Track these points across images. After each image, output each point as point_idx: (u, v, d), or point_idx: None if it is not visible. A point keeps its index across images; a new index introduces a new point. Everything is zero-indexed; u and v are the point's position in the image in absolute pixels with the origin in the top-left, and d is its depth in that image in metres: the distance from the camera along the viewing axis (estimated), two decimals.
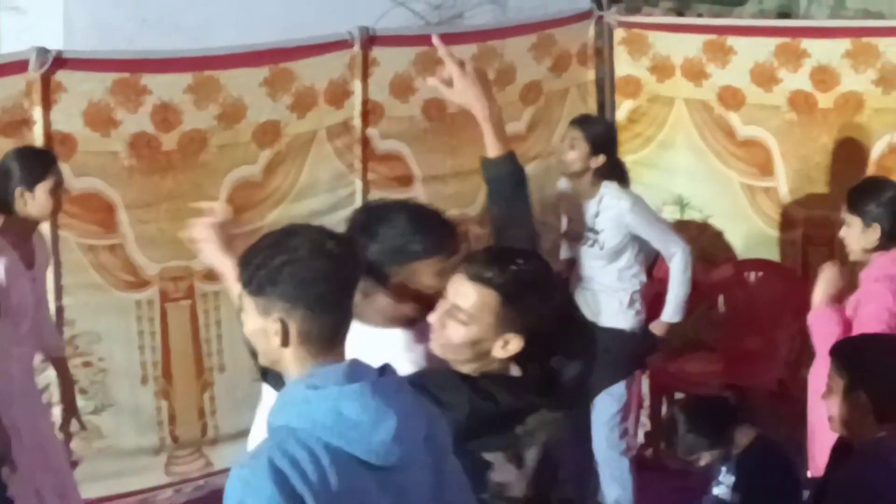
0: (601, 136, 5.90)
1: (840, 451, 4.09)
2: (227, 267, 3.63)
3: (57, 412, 5.83)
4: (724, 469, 5.30)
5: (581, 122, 6.02)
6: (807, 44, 6.83)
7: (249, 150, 6.33)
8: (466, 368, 3.26)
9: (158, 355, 6.32)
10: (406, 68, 6.73)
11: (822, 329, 4.89)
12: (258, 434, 3.15)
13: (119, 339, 6.16)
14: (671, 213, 7.38)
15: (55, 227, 5.74)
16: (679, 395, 6.92)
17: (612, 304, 5.97)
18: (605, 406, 5.96)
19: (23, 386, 5.20)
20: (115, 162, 5.97)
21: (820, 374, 4.42)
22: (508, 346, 3.28)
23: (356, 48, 6.46)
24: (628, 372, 6.16)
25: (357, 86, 6.53)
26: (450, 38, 6.87)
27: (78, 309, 5.93)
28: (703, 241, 7.32)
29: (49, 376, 5.83)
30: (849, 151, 6.78)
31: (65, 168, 5.68)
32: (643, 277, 6.07)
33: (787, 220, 7.10)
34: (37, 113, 5.68)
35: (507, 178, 3.85)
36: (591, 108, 7.62)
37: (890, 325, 4.84)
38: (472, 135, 7.11)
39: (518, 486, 3.27)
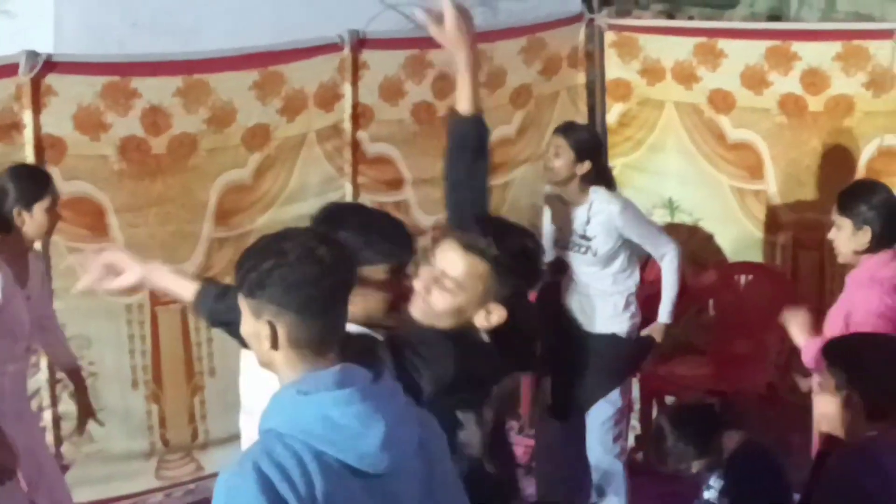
0: (585, 142, 5.87)
1: (829, 451, 4.10)
2: (164, 276, 3.58)
3: (47, 416, 5.84)
4: (713, 474, 5.30)
5: (564, 129, 5.97)
6: (797, 47, 6.83)
7: (239, 154, 6.33)
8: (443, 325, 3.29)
9: (149, 359, 6.32)
10: (396, 71, 6.74)
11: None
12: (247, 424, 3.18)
13: (109, 343, 6.16)
14: (661, 217, 7.38)
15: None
16: (669, 399, 6.93)
17: (607, 308, 5.96)
18: (600, 410, 5.97)
19: (14, 401, 5.19)
20: (104, 166, 5.97)
21: None
22: (491, 316, 3.34)
23: (346, 51, 6.47)
24: (624, 378, 6.16)
25: (347, 89, 6.53)
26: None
27: (68, 313, 5.91)
28: (693, 244, 7.32)
29: (39, 380, 5.84)
30: (839, 154, 6.78)
31: (54, 172, 5.69)
32: (637, 279, 6.06)
33: (777, 223, 7.10)
34: (27, 117, 5.68)
35: (474, 137, 3.87)
36: (582, 111, 7.63)
37: (877, 328, 4.85)
38: None
39: (477, 444, 3.32)
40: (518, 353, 3.50)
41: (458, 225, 3.65)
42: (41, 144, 5.74)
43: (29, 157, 5.69)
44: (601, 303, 5.95)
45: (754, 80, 6.98)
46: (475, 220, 3.55)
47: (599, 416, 5.97)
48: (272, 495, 2.61)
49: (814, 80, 6.78)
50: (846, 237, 5.12)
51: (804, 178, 6.95)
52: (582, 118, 7.52)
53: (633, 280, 6.01)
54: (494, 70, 7.19)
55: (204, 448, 6.52)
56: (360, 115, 6.64)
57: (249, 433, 3.35)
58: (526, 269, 3.46)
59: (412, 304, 3.37)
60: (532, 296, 6.33)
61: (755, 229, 7.19)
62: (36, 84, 5.66)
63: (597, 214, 5.84)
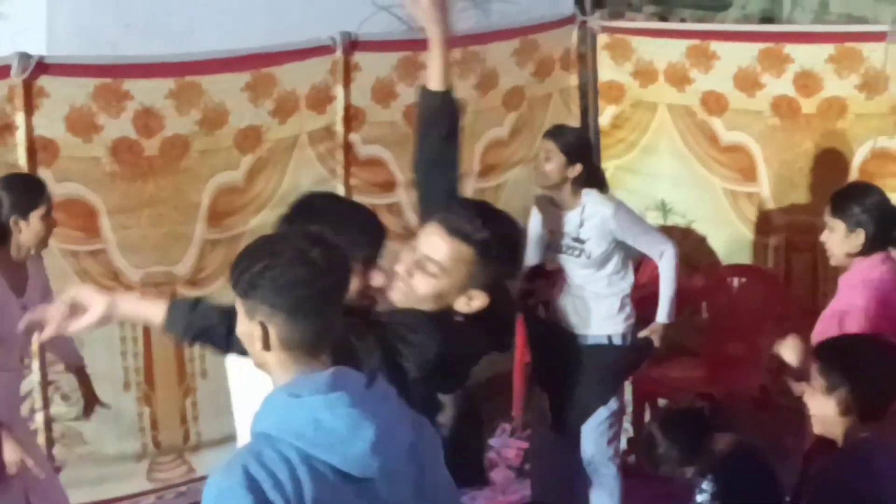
0: (575, 145, 5.83)
1: (818, 452, 4.10)
2: (129, 302, 3.54)
3: (39, 418, 5.83)
4: (705, 477, 5.29)
5: (553, 133, 5.93)
6: (790, 49, 6.84)
7: (231, 156, 6.32)
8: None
9: (141, 361, 6.31)
10: (388, 73, 6.74)
11: None
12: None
13: (101, 345, 6.13)
14: (654, 219, 7.38)
15: None
16: (662, 402, 6.93)
17: (601, 310, 5.93)
18: (595, 413, 5.96)
19: (6, 410, 5.18)
20: (96, 167, 5.96)
21: None
22: (472, 301, 3.35)
23: (338, 53, 6.47)
24: (620, 384, 6.15)
25: (339, 91, 6.53)
26: None
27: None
28: (686, 246, 7.30)
29: (31, 382, 5.83)
30: (832, 157, 6.79)
31: (47, 174, 5.69)
32: (632, 280, 6.02)
33: (770, 226, 7.11)
34: (19, 118, 5.67)
35: (445, 113, 3.83)
36: (575, 113, 7.63)
37: (871, 330, 4.85)
38: None
39: (448, 424, 3.34)
40: (495, 333, 3.50)
41: (430, 207, 3.62)
42: (33, 146, 5.72)
43: (21, 158, 5.68)
44: (596, 305, 5.93)
45: (747, 83, 6.99)
46: (460, 204, 3.54)
47: (594, 419, 5.96)
48: (260, 498, 2.61)
49: (807, 82, 6.79)
50: (839, 239, 5.11)
51: (797, 180, 6.96)
52: (575, 120, 7.53)
53: (627, 281, 5.99)
54: (487, 72, 7.20)
55: (196, 450, 6.51)
56: (352, 117, 6.64)
57: (241, 436, 3.36)
58: (509, 256, 3.45)
59: (393, 288, 3.35)
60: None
61: (748, 231, 7.19)
62: (28, 86, 5.65)
63: (590, 217, 5.81)
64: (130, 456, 6.38)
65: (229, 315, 3.08)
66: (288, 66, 6.37)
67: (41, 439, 5.92)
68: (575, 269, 5.92)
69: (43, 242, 5.20)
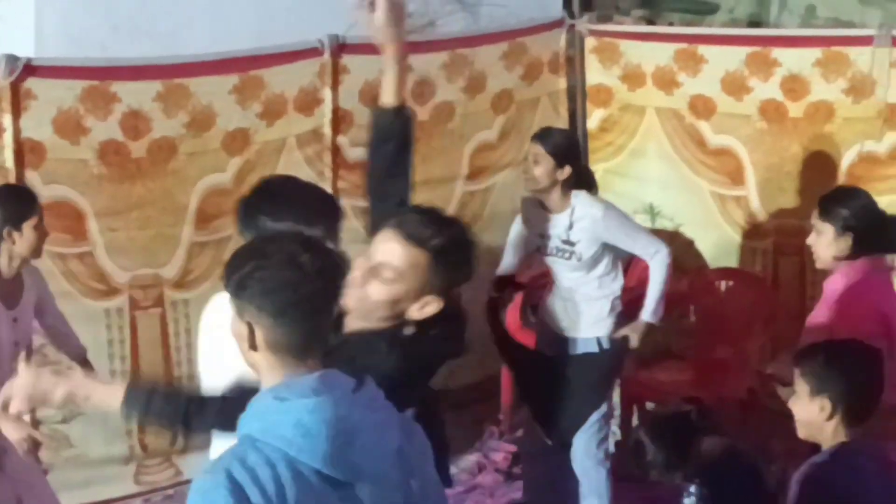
0: (563, 147, 5.78)
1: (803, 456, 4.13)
2: (85, 385, 3.49)
3: (25, 420, 5.82)
4: (693, 481, 5.29)
5: (541, 136, 5.87)
6: (777, 53, 6.84)
7: (219, 158, 6.32)
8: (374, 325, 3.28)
9: (128, 364, 6.31)
10: (376, 76, 6.60)
11: None
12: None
13: (88, 348, 6.11)
14: (642, 222, 7.34)
15: None
16: (650, 405, 6.93)
17: (592, 312, 5.90)
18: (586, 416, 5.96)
19: None
20: (84, 170, 5.96)
21: None
22: (426, 307, 3.36)
23: (326, 56, 6.47)
24: (609, 387, 6.13)
25: (327, 94, 6.54)
26: (421, 47, 6.95)
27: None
28: (674, 249, 7.20)
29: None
30: (819, 160, 6.79)
31: (34, 176, 5.69)
32: (622, 281, 5.98)
33: (758, 229, 7.11)
34: (6, 120, 5.67)
35: (397, 129, 3.87)
36: (563, 116, 7.64)
37: (858, 335, 4.86)
38: (442, 143, 7.20)
39: None
40: (448, 339, 3.50)
41: (381, 219, 3.62)
42: (21, 149, 5.73)
43: (8, 161, 5.69)
44: (586, 307, 5.90)
45: (735, 86, 6.99)
46: (413, 210, 3.56)
47: (587, 422, 5.96)
48: (243, 501, 2.61)
49: (794, 86, 6.79)
50: (827, 243, 5.12)
51: (784, 183, 6.96)
52: (563, 123, 7.54)
53: (618, 283, 5.95)
54: (475, 75, 7.20)
55: (183, 453, 6.50)
56: (340, 120, 6.64)
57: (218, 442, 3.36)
58: (463, 262, 3.46)
59: (346, 294, 3.35)
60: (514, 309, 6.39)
61: (735, 235, 7.20)
62: (16, 88, 5.65)
63: (580, 219, 5.77)
64: (117, 459, 6.38)
65: (188, 401, 3.11)
66: (276, 68, 6.37)
67: None
68: (565, 271, 5.89)
69: (36, 252, 5.19)
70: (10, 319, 5.12)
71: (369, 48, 6.60)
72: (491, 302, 6.01)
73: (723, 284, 7.24)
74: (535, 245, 5.97)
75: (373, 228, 3.70)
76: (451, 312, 3.45)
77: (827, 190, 5.56)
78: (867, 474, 3.89)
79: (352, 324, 3.35)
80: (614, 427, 6.87)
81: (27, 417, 5.79)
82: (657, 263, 5.87)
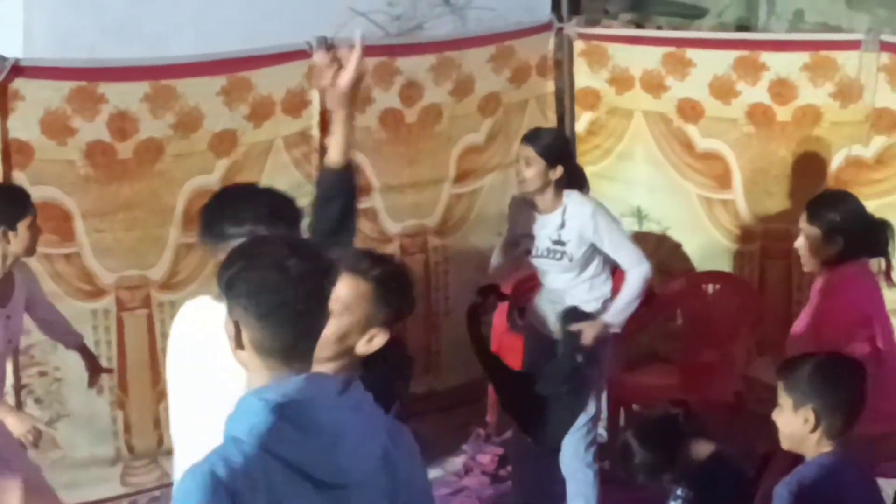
0: (554, 147, 5.75)
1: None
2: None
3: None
4: (679, 484, 5.29)
5: (530, 138, 5.81)
6: (765, 57, 6.85)
7: (206, 160, 6.32)
8: (325, 368, 3.24)
9: (114, 365, 6.29)
10: (364, 79, 6.71)
11: None
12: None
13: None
14: (629, 225, 7.38)
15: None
16: (636, 408, 6.93)
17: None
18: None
19: None
20: (71, 170, 5.96)
21: None
22: (373, 341, 3.39)
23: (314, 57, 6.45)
24: (589, 388, 6.11)
25: (315, 95, 6.52)
26: (409, 49, 6.95)
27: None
28: (661, 253, 7.34)
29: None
30: (807, 164, 6.80)
31: (21, 177, 5.68)
32: (611, 283, 5.96)
33: (745, 233, 7.12)
34: None
35: (343, 190, 3.91)
36: (551, 119, 7.64)
37: (846, 340, 4.87)
38: (429, 146, 7.21)
39: None
40: (395, 366, 3.54)
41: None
42: (8, 149, 5.73)
43: None
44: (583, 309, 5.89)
45: (722, 90, 7.00)
46: (348, 249, 3.61)
47: (575, 424, 5.94)
48: (227, 501, 2.61)
49: (782, 90, 6.80)
50: (815, 246, 5.14)
51: (772, 187, 6.97)
52: (551, 127, 7.53)
53: (608, 286, 5.90)
54: (463, 77, 7.21)
55: (169, 454, 6.37)
56: (328, 122, 6.61)
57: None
58: (405, 292, 3.51)
59: None
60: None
61: (723, 238, 7.20)
62: (3, 88, 5.65)
63: (571, 218, 5.72)
64: (104, 460, 6.37)
65: None
66: (264, 70, 6.37)
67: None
68: (555, 273, 5.85)
69: (30, 251, 5.21)
70: (3, 317, 5.13)
71: None
72: (472, 308, 5.99)
73: (710, 288, 7.24)
74: (525, 246, 5.93)
75: None
76: (394, 348, 3.49)
77: (814, 194, 5.58)
78: (849, 484, 3.95)
79: None
80: (601, 430, 6.87)
81: None
82: (635, 275, 5.80)
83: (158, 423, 6.43)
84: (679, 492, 5.26)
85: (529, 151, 5.70)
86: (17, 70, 5.64)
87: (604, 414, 6.85)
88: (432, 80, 7.08)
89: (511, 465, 6.65)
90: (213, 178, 6.33)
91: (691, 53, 7.11)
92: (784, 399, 4.04)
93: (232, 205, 3.49)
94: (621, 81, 7.43)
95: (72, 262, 6.08)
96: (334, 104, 3.95)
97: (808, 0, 7.93)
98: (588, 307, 5.87)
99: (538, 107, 7.64)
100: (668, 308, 7.29)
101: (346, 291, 3.32)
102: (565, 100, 7.70)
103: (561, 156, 5.75)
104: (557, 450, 5.98)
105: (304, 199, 6.39)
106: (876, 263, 5.35)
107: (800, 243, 5.20)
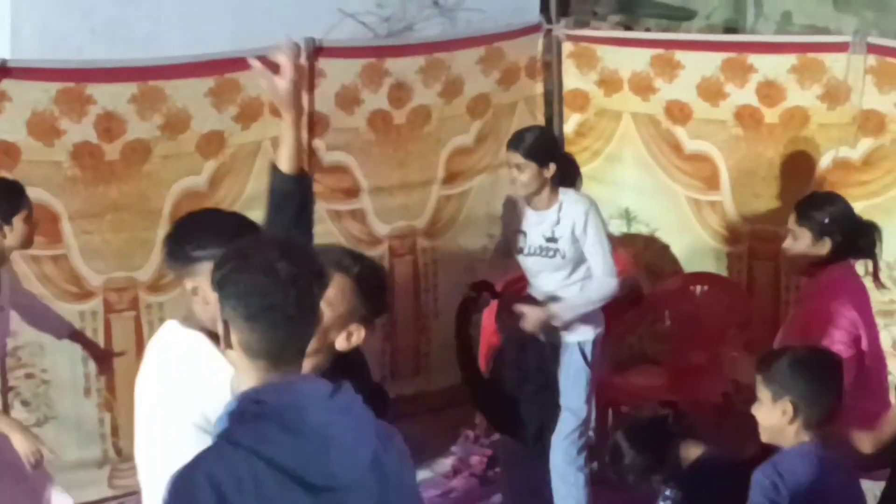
0: (541, 146, 5.70)
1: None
2: None
3: None
4: (668, 485, 5.29)
5: (515, 143, 5.74)
6: (753, 59, 6.86)
7: (194, 161, 6.31)
8: (304, 363, 3.25)
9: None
10: (352, 80, 6.74)
11: None
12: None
13: (62, 351, 6.11)
14: (618, 227, 7.40)
15: None
16: (626, 409, 6.93)
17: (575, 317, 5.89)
18: (565, 421, 5.92)
19: None
20: (58, 172, 5.95)
21: None
22: (352, 337, 3.42)
23: (302, 59, 6.44)
24: (589, 393, 6.08)
25: (303, 97, 6.50)
26: (398, 51, 6.95)
27: (21, 320, 5.87)
28: (650, 254, 7.35)
29: None
30: (794, 166, 6.81)
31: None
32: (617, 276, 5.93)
33: (733, 234, 7.13)
34: None
35: (296, 196, 3.91)
36: (540, 121, 7.63)
37: (835, 340, 4.88)
38: (418, 147, 7.20)
39: None
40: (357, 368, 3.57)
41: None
42: None
43: None
44: None
45: (711, 92, 7.00)
46: (323, 248, 3.63)
47: (564, 428, 5.92)
48: (219, 500, 2.61)
49: (769, 91, 6.81)
50: (804, 247, 5.15)
51: (760, 189, 6.98)
52: (531, 126, 7.52)
53: None
54: (452, 79, 7.20)
55: None
56: (315, 124, 6.63)
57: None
58: (381, 289, 3.56)
59: None
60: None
61: (711, 240, 7.21)
62: None
63: (566, 216, 5.71)
64: (91, 463, 6.36)
65: None
66: (252, 71, 6.34)
67: None
68: (547, 272, 5.80)
69: (26, 245, 5.24)
70: None
71: (346, 52, 6.71)
72: (464, 303, 5.99)
73: (698, 289, 7.24)
74: (518, 246, 5.90)
75: None
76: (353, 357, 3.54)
77: (802, 195, 5.59)
78: (827, 471, 4.00)
79: None
80: (589, 432, 6.87)
81: None
82: (602, 284, 5.76)
83: None
84: (668, 492, 5.26)
85: (518, 157, 5.67)
86: (5, 71, 5.64)
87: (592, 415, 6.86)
88: (421, 81, 7.08)
89: (500, 467, 6.65)
90: (200, 180, 6.33)
91: (679, 55, 7.11)
92: (762, 392, 4.10)
93: (196, 229, 3.49)
94: (610, 83, 7.44)
95: (59, 263, 6.07)
96: (281, 106, 3.94)
97: (796, 2, 7.95)
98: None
99: (527, 108, 7.64)
100: (657, 309, 7.30)
101: (336, 287, 3.34)
102: (554, 101, 7.70)
103: (550, 153, 5.72)
104: (547, 451, 5.98)
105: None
106: (862, 265, 5.36)
107: (789, 244, 5.22)
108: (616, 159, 7.53)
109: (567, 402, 5.91)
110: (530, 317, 5.72)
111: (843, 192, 5.79)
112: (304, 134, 6.55)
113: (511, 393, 5.90)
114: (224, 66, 6.25)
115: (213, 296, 3.14)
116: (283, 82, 3.89)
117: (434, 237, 7.36)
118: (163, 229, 6.22)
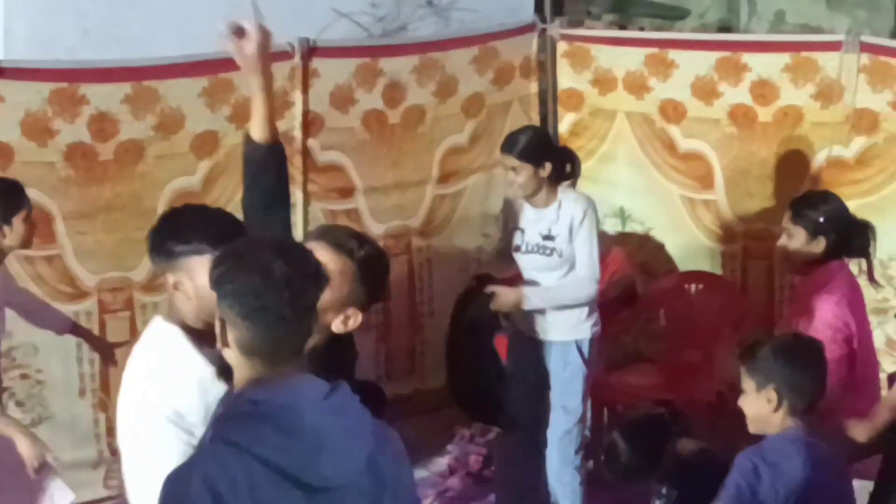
0: (536, 146, 5.71)
1: None
2: None
3: None
4: (664, 484, 5.30)
5: (509, 146, 5.75)
6: (747, 58, 6.86)
7: (188, 161, 6.31)
8: None
9: (96, 367, 6.28)
10: (347, 79, 6.73)
11: None
12: None
13: (56, 352, 6.12)
14: (613, 226, 7.41)
15: None
16: (620, 408, 6.93)
17: (570, 317, 5.83)
18: (561, 422, 5.91)
19: None
20: (51, 172, 5.94)
21: None
22: (349, 321, 3.44)
23: (297, 59, 6.45)
24: (585, 392, 6.08)
25: (297, 97, 6.52)
26: (392, 50, 6.94)
27: (15, 321, 5.86)
28: (644, 253, 7.36)
29: None
30: (788, 165, 6.82)
31: None
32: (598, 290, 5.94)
33: (727, 233, 7.13)
34: None
35: (273, 164, 3.88)
36: (534, 120, 7.63)
37: (829, 338, 4.88)
38: (413, 147, 7.20)
39: None
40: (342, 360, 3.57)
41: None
42: None
43: None
44: (567, 312, 5.83)
45: (704, 91, 7.01)
46: (330, 225, 3.63)
47: (560, 428, 5.91)
48: (216, 498, 2.61)
49: (763, 90, 6.82)
50: (799, 246, 5.16)
51: (754, 188, 6.98)
52: (523, 127, 7.52)
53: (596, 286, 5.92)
54: (446, 79, 7.20)
55: None
56: (310, 123, 6.63)
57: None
58: (383, 276, 3.57)
59: None
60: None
61: (705, 239, 7.21)
62: None
63: (565, 214, 5.69)
64: (86, 463, 6.35)
65: None
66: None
67: None
68: (544, 272, 5.80)
69: (25, 244, 5.27)
70: None
71: (340, 52, 6.71)
72: (464, 295, 5.98)
73: (692, 288, 7.26)
74: (515, 243, 5.90)
75: None
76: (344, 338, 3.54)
77: (795, 194, 5.61)
78: (811, 457, 4.04)
79: None
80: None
81: None
82: (580, 284, 5.75)
83: None
84: (663, 490, 5.27)
85: (513, 160, 5.68)
86: None
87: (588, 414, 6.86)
88: (416, 81, 7.07)
89: (495, 466, 6.65)
90: (195, 180, 6.32)
91: (673, 54, 7.12)
92: (747, 383, 4.16)
93: (180, 224, 3.49)
94: (604, 82, 7.44)
95: (53, 264, 6.06)
96: (248, 71, 3.90)
97: (789, 1, 7.96)
98: (576, 308, 5.84)
99: (521, 108, 7.63)
100: (652, 308, 7.30)
101: (331, 268, 3.33)
102: (548, 101, 7.70)
103: (545, 153, 5.72)
104: (543, 451, 5.98)
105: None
106: (856, 264, 5.37)
107: (782, 243, 5.23)
108: (610, 158, 7.53)
109: (563, 401, 5.91)
110: (500, 297, 5.72)
111: (836, 190, 5.81)
112: (299, 134, 6.57)
113: (492, 381, 5.89)
114: (217, 66, 6.24)
115: (195, 290, 3.18)
116: (250, 45, 3.85)
117: (429, 237, 7.36)
118: None
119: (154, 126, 6.13)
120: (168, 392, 3.20)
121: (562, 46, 7.57)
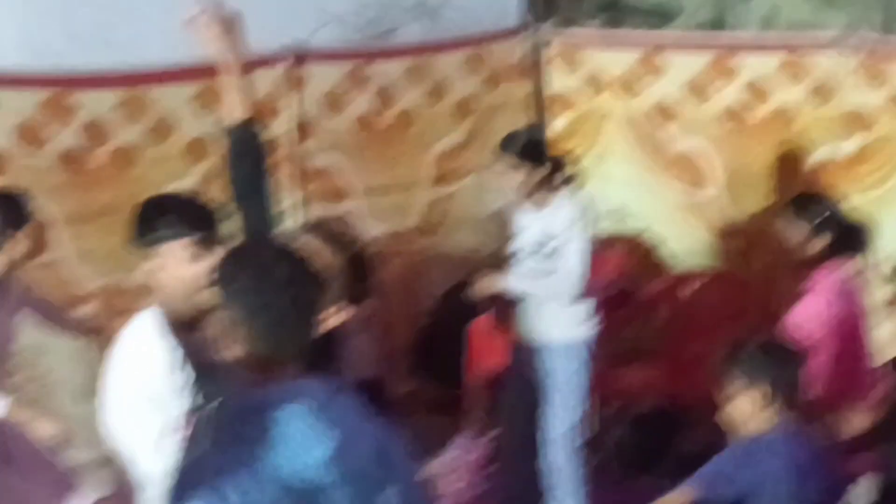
0: (535, 146, 5.77)
1: None
2: None
3: None
4: (669, 477, 5.30)
5: (507, 145, 5.79)
6: (740, 57, 6.88)
7: (181, 166, 6.29)
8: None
9: (102, 369, 6.25)
10: (339, 83, 6.74)
11: None
12: None
13: (62, 353, 6.09)
14: (608, 226, 7.40)
15: None
16: (622, 405, 6.93)
17: (568, 317, 5.86)
18: (563, 420, 5.93)
19: None
20: (46, 178, 5.92)
21: None
22: (339, 314, 3.37)
23: (289, 62, 6.44)
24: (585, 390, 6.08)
25: (290, 100, 6.51)
26: (384, 53, 6.94)
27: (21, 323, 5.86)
28: (640, 252, 7.36)
29: None
30: (783, 163, 6.84)
31: None
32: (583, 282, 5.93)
33: (722, 233, 7.15)
34: None
35: (253, 145, 3.91)
36: (526, 122, 7.63)
37: (825, 334, 4.90)
38: (405, 149, 7.20)
39: None
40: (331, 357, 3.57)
41: (257, 221, 3.78)
42: None
43: None
44: (562, 312, 5.85)
45: (697, 91, 7.02)
46: (323, 220, 3.65)
47: (562, 426, 5.93)
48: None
49: (757, 90, 6.82)
50: (800, 243, 5.18)
51: (748, 188, 7.01)
52: (521, 127, 7.53)
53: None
54: (438, 81, 7.20)
55: None
56: (303, 127, 6.63)
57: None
58: (370, 274, 3.65)
59: None
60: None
61: (700, 239, 7.23)
62: None
63: (560, 216, 5.70)
64: (93, 463, 6.33)
65: None
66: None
67: None
68: (542, 275, 5.86)
69: (36, 253, 5.29)
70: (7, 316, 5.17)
71: (332, 56, 6.70)
72: (457, 285, 5.98)
73: (690, 286, 7.26)
74: (510, 246, 5.91)
75: (249, 231, 3.79)
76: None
77: (791, 193, 5.62)
78: (794, 451, 4.13)
79: None
80: None
81: None
82: (565, 277, 5.76)
83: None
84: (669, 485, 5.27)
85: (511, 159, 5.70)
86: None
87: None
88: (407, 83, 7.08)
89: (498, 464, 6.64)
90: (189, 183, 6.30)
91: (666, 55, 7.15)
92: (735, 384, 4.22)
93: (162, 210, 3.59)
94: (596, 83, 7.46)
95: (50, 270, 6.04)
96: (215, 52, 3.90)
97: (783, 0, 7.95)
98: (573, 308, 5.86)
99: (514, 109, 7.64)
100: (652, 305, 7.31)
101: (323, 259, 3.33)
102: (540, 102, 7.70)
103: (543, 153, 5.76)
104: (543, 450, 5.98)
105: (281, 204, 6.46)
106: (854, 263, 5.39)
107: (784, 240, 5.24)
108: (603, 159, 7.54)
109: (564, 401, 5.93)
110: (484, 282, 5.84)
111: (832, 189, 5.82)
112: (292, 136, 6.57)
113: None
114: (210, 71, 6.21)
115: (174, 272, 3.40)
116: (212, 28, 3.86)
117: (423, 239, 7.36)
118: None
119: (146, 132, 6.14)
120: (143, 376, 3.41)
121: (553, 48, 7.58)
